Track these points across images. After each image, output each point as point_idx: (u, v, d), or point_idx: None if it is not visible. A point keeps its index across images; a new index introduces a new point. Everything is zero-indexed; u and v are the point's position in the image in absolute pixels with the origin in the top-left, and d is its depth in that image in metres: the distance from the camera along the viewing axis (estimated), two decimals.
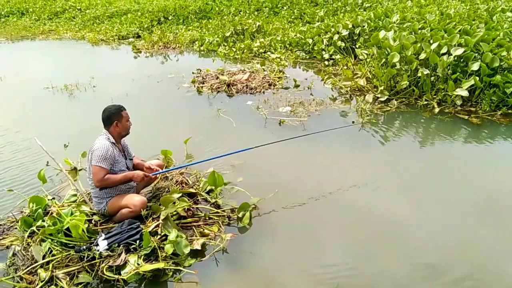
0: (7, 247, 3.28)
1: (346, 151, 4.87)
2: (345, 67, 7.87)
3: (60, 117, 6.54)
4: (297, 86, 7.26)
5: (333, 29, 9.20)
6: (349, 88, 6.86)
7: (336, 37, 8.81)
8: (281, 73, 8.11)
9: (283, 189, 3.98)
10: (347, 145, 5.00)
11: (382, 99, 6.24)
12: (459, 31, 6.73)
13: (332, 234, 3.40)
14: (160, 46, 11.83)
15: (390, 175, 4.28)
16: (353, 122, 5.57)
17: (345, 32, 8.67)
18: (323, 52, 9.05)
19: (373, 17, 9.01)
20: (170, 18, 15.00)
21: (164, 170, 3.95)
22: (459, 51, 5.86)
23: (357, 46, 8.42)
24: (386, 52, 6.66)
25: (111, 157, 3.36)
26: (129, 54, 11.34)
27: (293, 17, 13.17)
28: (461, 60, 6.00)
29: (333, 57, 8.77)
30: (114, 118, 3.46)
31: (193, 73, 8.40)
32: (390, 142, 5.07)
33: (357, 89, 6.84)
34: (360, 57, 7.91)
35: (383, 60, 6.74)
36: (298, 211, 3.73)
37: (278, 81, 7.57)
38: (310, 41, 9.62)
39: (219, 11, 14.99)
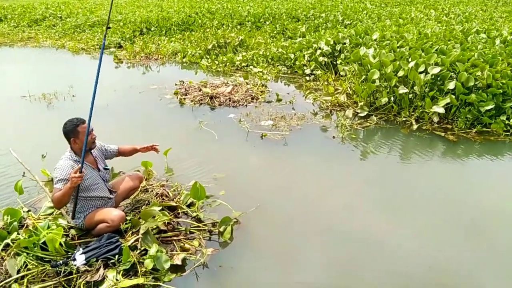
0: None
1: (327, 166, 4.93)
2: (326, 83, 8.00)
3: (38, 127, 6.39)
4: (279, 100, 7.33)
5: (314, 45, 9.37)
6: (329, 103, 6.97)
7: (318, 52, 8.96)
8: (264, 87, 8.19)
9: (265, 204, 3.98)
10: (327, 159, 5.07)
11: (362, 115, 6.37)
12: (436, 50, 6.96)
13: (314, 249, 3.42)
14: (142, 56, 11.76)
15: (368, 190, 4.34)
16: (333, 137, 5.66)
17: (326, 48, 8.84)
18: (304, 67, 9.19)
19: (354, 34, 9.22)
20: (152, 29, 14.97)
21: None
22: (436, 69, 6.05)
23: (338, 62, 8.59)
24: (366, 69, 6.82)
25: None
26: (110, 64, 11.22)
27: (275, 32, 13.35)
28: (438, 78, 6.19)
29: (314, 72, 8.90)
30: (70, 135, 3.35)
31: (176, 84, 8.38)
32: (369, 158, 5.16)
33: (337, 104, 6.95)
34: (341, 73, 8.06)
35: (363, 76, 6.89)
36: (279, 226, 3.74)
37: (261, 95, 7.63)
38: (292, 56, 9.75)
39: (201, 23, 15.05)
